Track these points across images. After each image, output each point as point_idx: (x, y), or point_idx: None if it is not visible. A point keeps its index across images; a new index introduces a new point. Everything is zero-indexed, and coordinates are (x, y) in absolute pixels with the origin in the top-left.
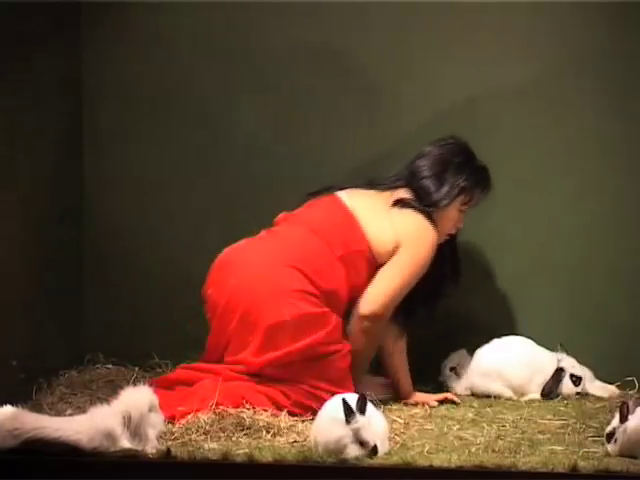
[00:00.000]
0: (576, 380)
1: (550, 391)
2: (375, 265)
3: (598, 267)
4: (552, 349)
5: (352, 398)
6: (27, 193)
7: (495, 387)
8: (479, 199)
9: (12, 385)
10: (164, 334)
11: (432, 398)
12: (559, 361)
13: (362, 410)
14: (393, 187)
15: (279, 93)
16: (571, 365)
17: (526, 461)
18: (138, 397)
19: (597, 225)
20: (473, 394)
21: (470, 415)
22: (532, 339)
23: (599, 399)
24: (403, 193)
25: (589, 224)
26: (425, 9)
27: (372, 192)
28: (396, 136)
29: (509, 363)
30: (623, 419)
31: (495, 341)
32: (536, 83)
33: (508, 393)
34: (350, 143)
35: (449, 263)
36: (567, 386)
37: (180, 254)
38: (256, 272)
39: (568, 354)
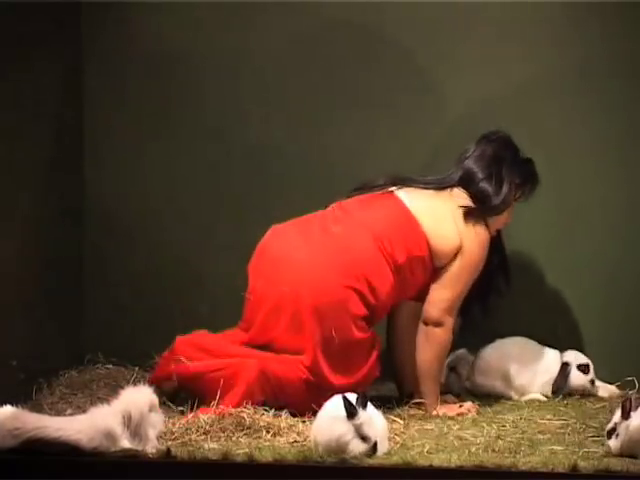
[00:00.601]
0: (584, 368)
1: (559, 387)
2: (431, 268)
3: (598, 267)
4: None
5: (352, 396)
6: (27, 193)
7: (497, 387)
8: (529, 194)
9: (12, 385)
10: (164, 334)
11: (454, 410)
12: (563, 356)
13: (363, 406)
14: (449, 186)
15: (290, 93)
16: (575, 357)
17: (526, 461)
18: (138, 397)
19: (598, 225)
20: (474, 394)
21: (470, 415)
22: (532, 339)
23: (599, 399)
24: (459, 194)
25: (590, 224)
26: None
27: (430, 192)
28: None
29: (512, 363)
30: (625, 415)
31: (498, 341)
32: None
33: (509, 393)
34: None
35: (498, 259)
36: (577, 377)
37: (180, 254)
38: (312, 285)
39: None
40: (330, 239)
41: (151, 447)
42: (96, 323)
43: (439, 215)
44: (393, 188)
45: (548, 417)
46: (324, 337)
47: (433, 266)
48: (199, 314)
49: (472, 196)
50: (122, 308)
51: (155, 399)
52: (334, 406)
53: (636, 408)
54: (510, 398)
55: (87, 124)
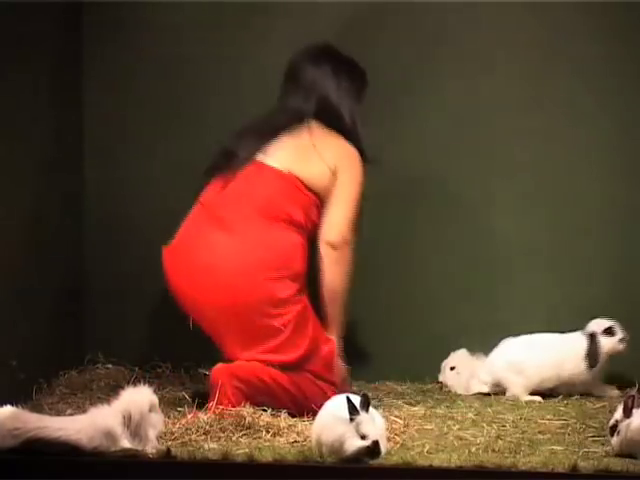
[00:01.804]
0: (610, 330)
1: (594, 358)
2: (325, 202)
3: (599, 267)
4: None
5: (355, 397)
6: (27, 193)
7: (512, 382)
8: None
9: (12, 385)
10: (164, 334)
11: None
12: (586, 330)
13: (365, 408)
14: (302, 124)
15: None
16: (597, 324)
17: (526, 461)
18: (138, 397)
19: (599, 227)
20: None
21: (470, 415)
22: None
23: (599, 399)
24: (316, 126)
25: (592, 225)
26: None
27: (288, 140)
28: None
29: (533, 362)
30: (627, 412)
31: (524, 337)
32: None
33: (518, 391)
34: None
35: None
36: (607, 342)
37: None
38: (234, 285)
39: None
40: (226, 230)
41: (151, 447)
42: (96, 323)
43: (306, 158)
44: (256, 156)
45: (548, 417)
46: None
47: (323, 202)
48: None
49: (325, 121)
50: (122, 308)
51: (155, 399)
52: (336, 405)
53: (638, 406)
54: (514, 397)
55: (87, 124)
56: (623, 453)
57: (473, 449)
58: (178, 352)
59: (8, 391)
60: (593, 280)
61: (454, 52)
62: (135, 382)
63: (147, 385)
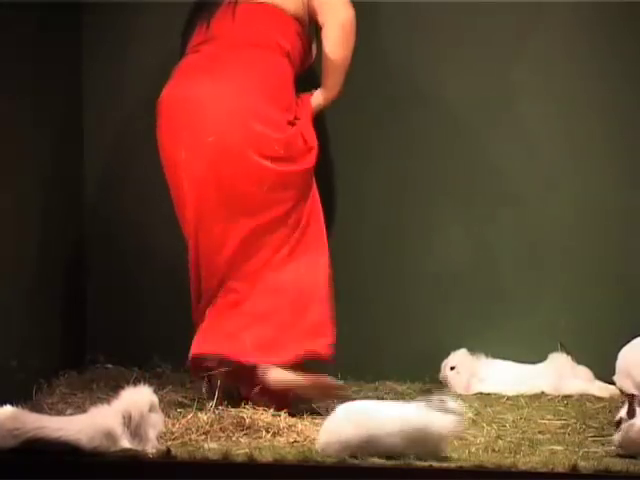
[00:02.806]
0: None
1: None
2: (305, 28)
3: (600, 267)
4: (551, 350)
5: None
6: (27, 193)
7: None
8: None
9: (12, 385)
10: (164, 334)
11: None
12: None
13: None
14: None
15: None
16: None
17: (526, 461)
18: (138, 397)
19: (601, 226)
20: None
21: (470, 415)
22: (531, 339)
23: (599, 399)
24: None
25: (592, 226)
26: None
27: None
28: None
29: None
30: (631, 413)
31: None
32: None
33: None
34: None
35: None
36: None
37: (181, 254)
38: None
39: (568, 353)
40: (216, 70)
41: (151, 447)
42: (96, 323)
43: None
44: None
45: (548, 417)
46: None
47: (304, 24)
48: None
49: None
50: (122, 308)
51: (155, 399)
52: (346, 409)
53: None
54: None
55: (87, 124)
56: (624, 452)
57: (473, 449)
58: (178, 352)
59: (8, 391)
60: (598, 281)
61: (454, 51)
62: (135, 382)
63: (147, 385)
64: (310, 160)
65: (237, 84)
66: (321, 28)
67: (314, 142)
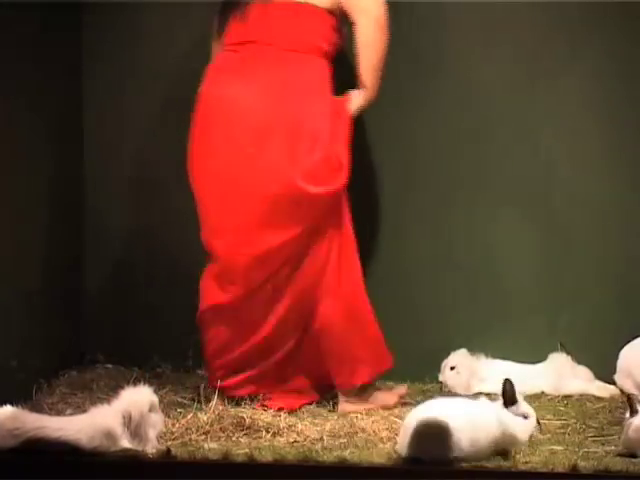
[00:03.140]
0: None
1: None
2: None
3: (600, 267)
4: (551, 350)
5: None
6: (27, 193)
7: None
8: None
9: (12, 385)
10: (164, 334)
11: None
12: None
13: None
14: None
15: None
16: None
17: (526, 461)
18: (138, 397)
19: (601, 226)
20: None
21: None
22: (531, 339)
23: (599, 399)
24: None
25: (592, 227)
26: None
27: None
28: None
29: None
30: (632, 412)
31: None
32: None
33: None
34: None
35: None
36: None
37: (181, 254)
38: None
39: (568, 353)
40: (255, 76)
41: (151, 447)
42: (96, 323)
43: None
44: None
45: (548, 417)
46: None
47: (337, 16)
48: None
49: None
50: (122, 308)
51: (155, 399)
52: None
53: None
54: None
55: (87, 124)
56: (626, 451)
57: None
58: (178, 352)
59: (8, 391)
60: (598, 281)
61: (454, 51)
62: (135, 382)
63: (147, 385)
64: (341, 180)
65: (277, 92)
66: (353, 24)
67: (347, 161)
